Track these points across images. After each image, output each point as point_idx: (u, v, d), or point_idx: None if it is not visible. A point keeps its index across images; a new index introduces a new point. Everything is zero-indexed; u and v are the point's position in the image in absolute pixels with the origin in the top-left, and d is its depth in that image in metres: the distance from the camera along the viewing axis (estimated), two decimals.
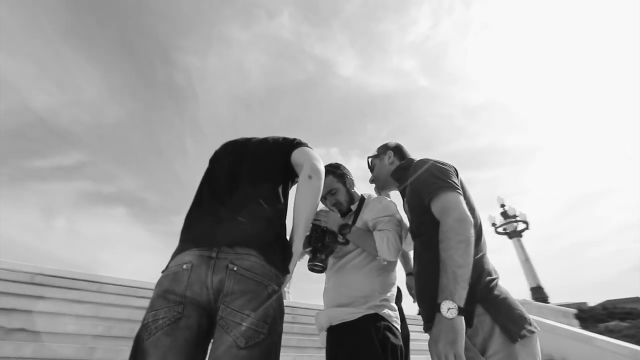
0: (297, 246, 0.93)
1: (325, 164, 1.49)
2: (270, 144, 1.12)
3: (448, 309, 0.76)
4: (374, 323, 1.09)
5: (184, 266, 0.79)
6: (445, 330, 0.74)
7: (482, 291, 0.88)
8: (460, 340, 0.73)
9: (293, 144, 1.10)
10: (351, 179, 1.46)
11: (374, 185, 1.44)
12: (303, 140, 1.19)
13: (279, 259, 0.88)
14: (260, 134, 1.19)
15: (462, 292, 0.78)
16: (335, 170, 1.43)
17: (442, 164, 1.05)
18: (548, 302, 8.82)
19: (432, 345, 0.76)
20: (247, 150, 1.09)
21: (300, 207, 0.94)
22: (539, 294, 9.21)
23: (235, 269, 0.78)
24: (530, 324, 0.86)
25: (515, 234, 10.54)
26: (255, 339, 0.73)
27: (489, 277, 0.92)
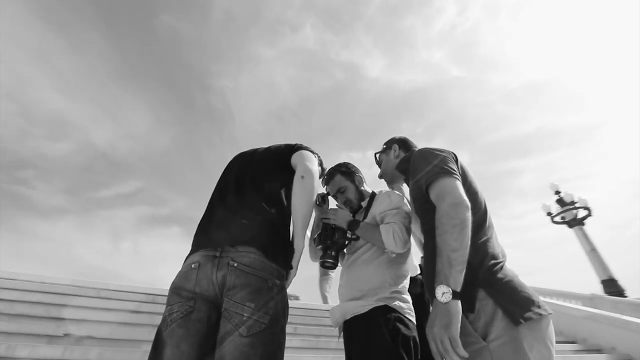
0: (298, 243, 0.99)
1: (334, 164, 1.54)
2: (272, 150, 1.20)
3: (442, 293, 0.75)
4: (384, 315, 1.09)
5: (192, 265, 0.89)
6: (440, 314, 0.74)
7: (485, 275, 0.85)
8: (454, 324, 0.72)
9: (293, 149, 1.17)
10: (360, 176, 1.48)
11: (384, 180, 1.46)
12: (304, 144, 1.25)
13: (281, 255, 0.94)
14: None
15: (458, 276, 0.76)
16: (342, 169, 1.47)
17: (440, 150, 1.04)
18: (625, 296, 7.76)
19: (428, 329, 0.76)
20: (253, 159, 1.18)
21: (295, 206, 1.00)
22: (612, 287, 8.09)
23: (235, 265, 0.85)
24: (539, 307, 0.81)
25: (575, 223, 9.40)
26: (256, 328, 0.79)
27: (493, 261, 0.88)
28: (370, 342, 1.06)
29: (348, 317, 1.17)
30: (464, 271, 0.78)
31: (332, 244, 1.25)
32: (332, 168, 1.49)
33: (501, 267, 0.88)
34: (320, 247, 1.28)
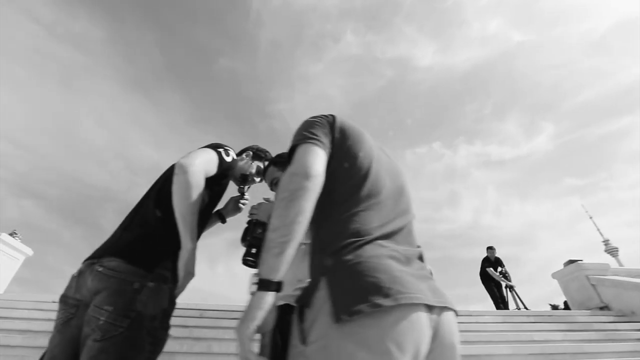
0: (184, 243, 0.97)
1: (273, 155, 1.47)
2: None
3: (252, 283, 0.60)
4: (282, 316, 0.92)
5: (74, 274, 0.95)
6: (244, 310, 0.59)
7: (330, 259, 0.64)
8: (247, 322, 0.57)
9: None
10: None
11: None
12: (224, 143, 1.24)
13: (150, 259, 0.94)
14: None
15: (272, 261, 0.60)
16: (275, 160, 1.40)
17: (312, 117, 0.86)
18: None
19: None
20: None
21: (174, 205, 0.97)
22: None
23: (100, 269, 0.88)
24: (386, 295, 0.54)
25: None
26: (112, 332, 0.79)
27: (351, 239, 0.64)
28: (262, 351, 0.96)
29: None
30: (285, 255, 0.61)
31: (253, 240, 1.18)
32: (268, 160, 1.45)
33: (359, 246, 0.63)
34: (243, 244, 1.23)
